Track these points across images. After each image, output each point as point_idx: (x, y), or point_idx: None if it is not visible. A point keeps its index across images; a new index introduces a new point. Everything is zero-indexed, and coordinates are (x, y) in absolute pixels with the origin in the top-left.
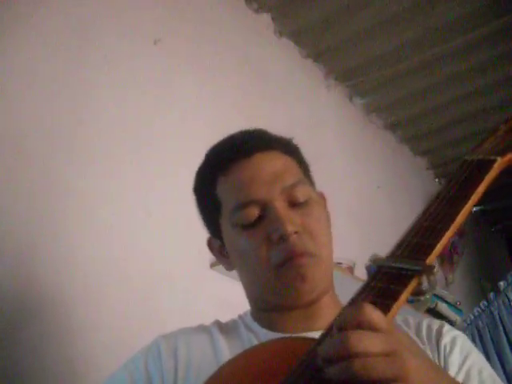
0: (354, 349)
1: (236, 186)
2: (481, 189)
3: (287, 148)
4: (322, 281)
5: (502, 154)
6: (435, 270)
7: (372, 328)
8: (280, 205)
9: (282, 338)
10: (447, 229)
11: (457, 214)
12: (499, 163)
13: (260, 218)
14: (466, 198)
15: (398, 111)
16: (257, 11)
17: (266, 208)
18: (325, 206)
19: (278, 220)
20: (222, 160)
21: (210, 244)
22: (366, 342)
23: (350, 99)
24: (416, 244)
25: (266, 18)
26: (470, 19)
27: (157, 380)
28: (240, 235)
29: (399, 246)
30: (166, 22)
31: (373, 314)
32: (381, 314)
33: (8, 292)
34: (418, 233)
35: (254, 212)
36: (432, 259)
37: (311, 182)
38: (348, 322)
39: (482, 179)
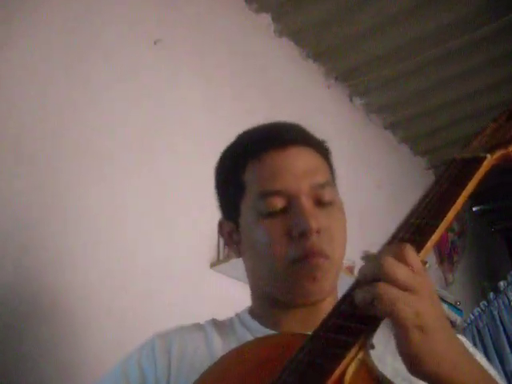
0: (384, 269)
1: (266, 173)
2: (471, 186)
3: (321, 148)
4: (331, 283)
5: (492, 151)
6: (427, 265)
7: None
8: (306, 201)
9: (280, 334)
10: (438, 225)
11: (447, 211)
12: (489, 160)
13: (283, 210)
14: (457, 195)
15: (397, 111)
16: (257, 11)
17: (291, 201)
18: (344, 213)
19: (303, 215)
20: (256, 145)
21: (221, 226)
22: (398, 270)
23: (350, 99)
24: (407, 240)
25: (265, 18)
26: (469, 20)
27: (150, 376)
28: (260, 223)
29: (390, 242)
30: (166, 22)
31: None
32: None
33: (7, 294)
34: (409, 230)
35: (279, 202)
36: (423, 255)
37: (336, 188)
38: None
39: (471, 176)
